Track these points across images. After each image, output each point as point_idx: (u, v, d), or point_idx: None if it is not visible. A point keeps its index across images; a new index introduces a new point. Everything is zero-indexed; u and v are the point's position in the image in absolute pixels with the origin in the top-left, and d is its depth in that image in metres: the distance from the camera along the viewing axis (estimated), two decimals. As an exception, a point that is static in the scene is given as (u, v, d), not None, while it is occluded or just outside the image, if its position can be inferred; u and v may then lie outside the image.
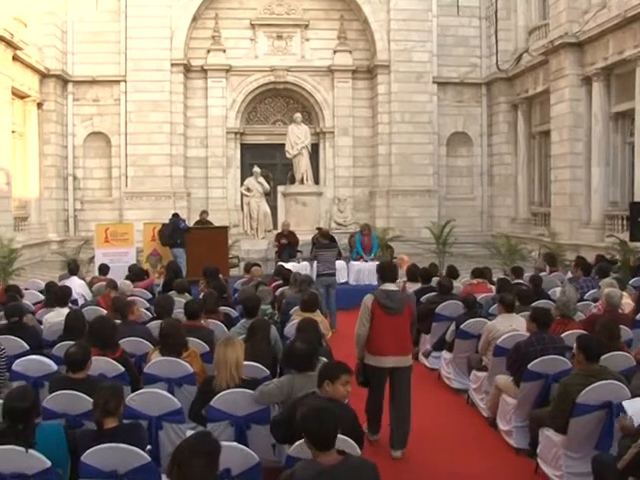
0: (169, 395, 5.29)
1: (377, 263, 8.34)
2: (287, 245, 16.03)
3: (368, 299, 6.39)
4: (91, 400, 4.58)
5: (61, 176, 24.77)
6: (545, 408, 5.91)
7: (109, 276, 11.31)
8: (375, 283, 14.91)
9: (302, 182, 18.57)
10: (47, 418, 4.75)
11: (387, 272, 6.65)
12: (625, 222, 17.62)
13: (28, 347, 6.80)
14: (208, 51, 25.88)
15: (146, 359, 6.37)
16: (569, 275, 11.55)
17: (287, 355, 5.66)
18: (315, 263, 13.13)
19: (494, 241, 20.85)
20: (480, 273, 10.82)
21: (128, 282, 10.20)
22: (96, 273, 12.55)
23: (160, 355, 6.03)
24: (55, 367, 6.10)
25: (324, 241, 13.78)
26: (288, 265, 13.70)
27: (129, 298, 8.78)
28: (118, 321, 7.02)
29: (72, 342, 5.66)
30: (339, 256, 14.27)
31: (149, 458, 4.20)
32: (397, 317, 6.33)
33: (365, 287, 14.18)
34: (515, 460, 6.31)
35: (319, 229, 15.96)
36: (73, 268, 11.53)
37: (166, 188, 24.80)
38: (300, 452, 4.08)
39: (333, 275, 12.55)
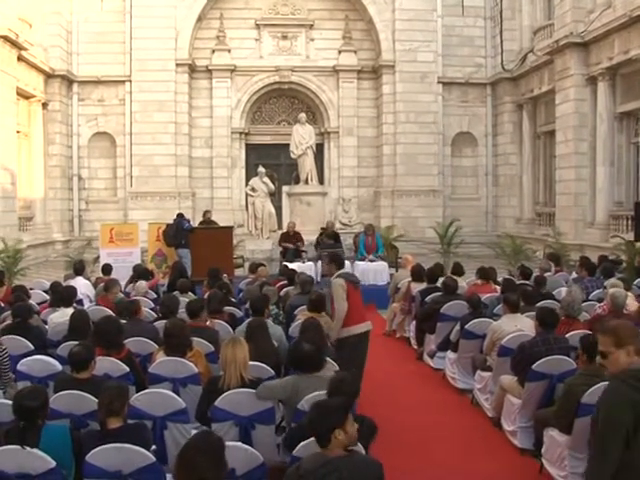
0: (174, 395, 5.30)
1: (327, 254, 9.18)
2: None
3: (340, 281, 7.34)
4: (96, 400, 4.59)
5: (66, 176, 24.79)
6: (550, 408, 5.90)
7: (112, 276, 11.29)
8: (380, 283, 15.14)
9: (307, 182, 18.58)
10: (52, 418, 4.75)
11: (341, 261, 7.93)
12: (630, 222, 17.57)
13: (33, 347, 6.81)
14: (213, 51, 25.86)
15: (151, 359, 6.37)
16: (574, 275, 11.53)
17: (292, 356, 5.66)
18: (320, 263, 13.12)
19: (499, 241, 20.86)
20: (485, 273, 10.79)
21: (143, 282, 10.27)
22: (100, 273, 12.57)
23: (165, 355, 6.03)
24: (60, 367, 6.09)
25: (329, 241, 13.80)
26: (293, 265, 13.71)
27: (133, 297, 8.82)
28: (124, 321, 7.02)
29: (76, 342, 5.67)
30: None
31: (154, 458, 4.21)
32: (360, 289, 7.68)
33: (370, 287, 14.22)
34: (520, 460, 6.31)
35: (324, 229, 15.95)
36: (78, 268, 11.52)
37: (171, 188, 24.79)
38: (304, 453, 4.08)
39: (338, 275, 12.53)
